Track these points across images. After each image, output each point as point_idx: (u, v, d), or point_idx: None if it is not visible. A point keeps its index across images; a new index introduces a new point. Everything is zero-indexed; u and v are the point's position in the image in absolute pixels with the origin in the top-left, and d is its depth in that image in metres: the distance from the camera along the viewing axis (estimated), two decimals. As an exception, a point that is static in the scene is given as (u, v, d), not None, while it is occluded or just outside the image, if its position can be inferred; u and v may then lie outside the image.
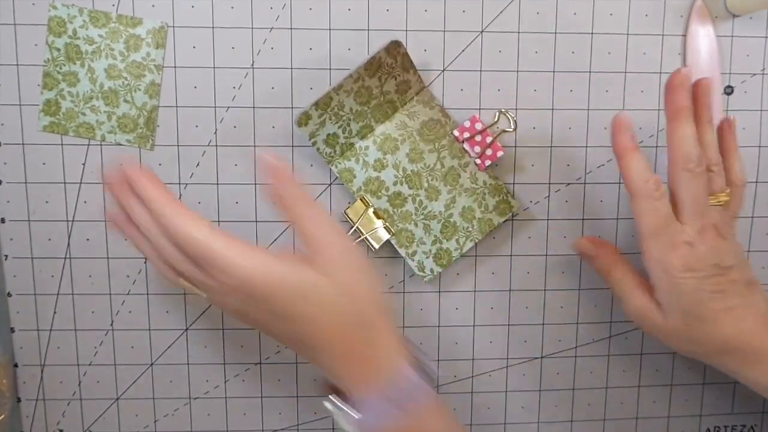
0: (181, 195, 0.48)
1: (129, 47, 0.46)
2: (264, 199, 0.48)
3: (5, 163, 0.47)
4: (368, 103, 0.46)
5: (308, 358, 0.38)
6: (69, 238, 0.48)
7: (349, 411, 0.36)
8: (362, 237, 0.47)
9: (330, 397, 0.37)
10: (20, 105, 0.46)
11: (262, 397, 0.51)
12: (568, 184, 0.50)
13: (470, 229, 0.48)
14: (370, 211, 0.47)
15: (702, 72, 0.48)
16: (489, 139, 0.47)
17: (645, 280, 0.43)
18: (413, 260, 0.48)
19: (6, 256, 0.48)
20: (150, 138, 0.47)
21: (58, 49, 0.45)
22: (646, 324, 0.43)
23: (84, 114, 0.46)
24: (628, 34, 0.48)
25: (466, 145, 0.48)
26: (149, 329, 0.49)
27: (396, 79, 0.46)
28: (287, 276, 0.34)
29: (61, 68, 0.45)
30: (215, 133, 0.47)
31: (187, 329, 0.50)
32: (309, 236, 0.36)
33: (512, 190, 0.49)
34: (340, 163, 0.47)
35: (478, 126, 0.47)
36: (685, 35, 0.49)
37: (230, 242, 0.35)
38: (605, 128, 0.49)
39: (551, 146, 0.49)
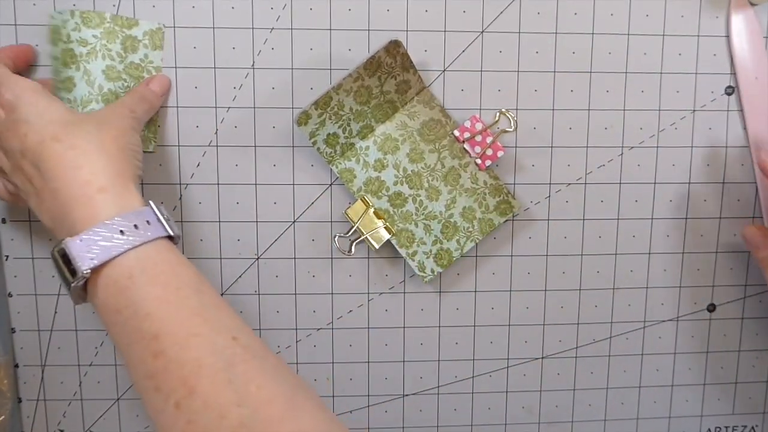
0: (181, 195, 0.48)
1: (126, 48, 0.45)
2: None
3: (6, 164, 0.47)
4: (368, 103, 0.46)
5: (41, 197, 0.37)
6: (69, 239, 0.48)
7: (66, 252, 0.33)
8: (363, 237, 0.47)
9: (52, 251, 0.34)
10: (21, 105, 0.46)
11: (262, 397, 0.51)
12: (569, 184, 0.50)
13: (471, 229, 0.48)
14: (371, 211, 0.47)
15: (748, 60, 0.49)
16: (489, 139, 0.47)
17: None
18: (414, 260, 0.48)
19: (7, 256, 0.48)
20: (152, 140, 0.47)
21: (57, 58, 0.43)
22: None
23: None
24: (628, 35, 0.48)
25: (466, 145, 0.48)
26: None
27: (396, 79, 0.46)
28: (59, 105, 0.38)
29: (58, 75, 0.44)
30: (216, 133, 0.47)
31: (187, 329, 0.50)
32: None
33: (513, 190, 0.49)
34: (340, 163, 0.47)
35: (479, 126, 0.47)
36: (727, 27, 0.49)
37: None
38: (605, 128, 0.49)
39: (551, 146, 0.49)
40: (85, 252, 0.33)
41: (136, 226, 0.34)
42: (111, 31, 0.45)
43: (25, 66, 0.44)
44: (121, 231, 0.34)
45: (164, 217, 0.36)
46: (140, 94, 0.43)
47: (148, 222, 0.35)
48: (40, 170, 0.35)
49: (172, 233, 0.36)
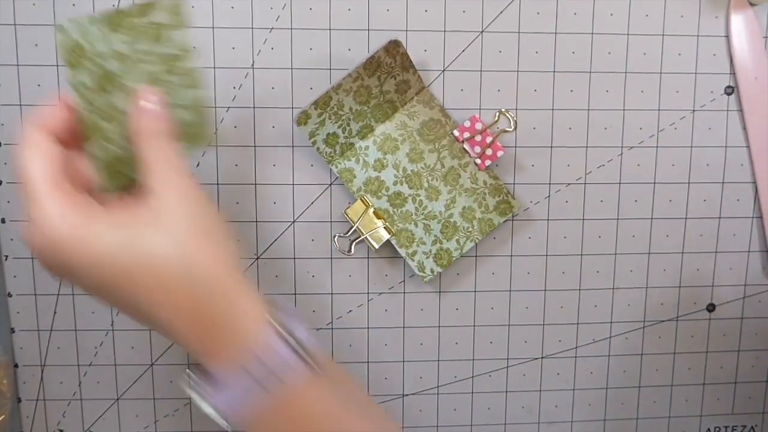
0: (181, 195, 0.48)
1: (155, 40, 0.34)
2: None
3: (5, 163, 0.47)
4: (368, 103, 0.46)
5: (154, 329, 0.31)
6: (69, 239, 0.48)
7: (205, 389, 0.29)
8: (362, 237, 0.47)
9: (186, 371, 0.31)
10: (20, 105, 0.46)
11: (262, 397, 0.51)
12: (568, 184, 0.50)
13: (470, 229, 0.48)
14: (371, 211, 0.47)
15: (748, 60, 0.48)
16: (489, 139, 0.47)
17: None
18: (413, 260, 0.48)
19: (6, 256, 0.48)
20: (202, 136, 0.36)
21: (85, 85, 0.32)
22: None
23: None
24: (628, 34, 0.48)
25: (466, 145, 0.48)
26: (149, 329, 0.49)
27: (395, 79, 0.46)
28: (103, 237, 0.28)
29: (92, 104, 0.33)
30: (215, 133, 0.47)
31: (187, 329, 0.50)
32: (145, 172, 0.31)
33: (512, 190, 0.49)
34: (340, 163, 0.47)
35: (478, 126, 0.47)
36: (727, 27, 0.49)
37: (55, 192, 0.30)
38: (605, 128, 0.49)
39: (551, 146, 0.49)
40: (223, 408, 0.29)
41: (267, 366, 0.29)
42: (135, 27, 0.33)
43: (72, 138, 0.33)
44: (250, 381, 0.28)
45: (297, 342, 0.30)
46: (148, 128, 0.32)
47: (280, 354, 0.29)
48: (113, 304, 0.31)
49: (313, 364, 0.30)
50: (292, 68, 0.47)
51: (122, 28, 0.33)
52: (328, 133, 0.46)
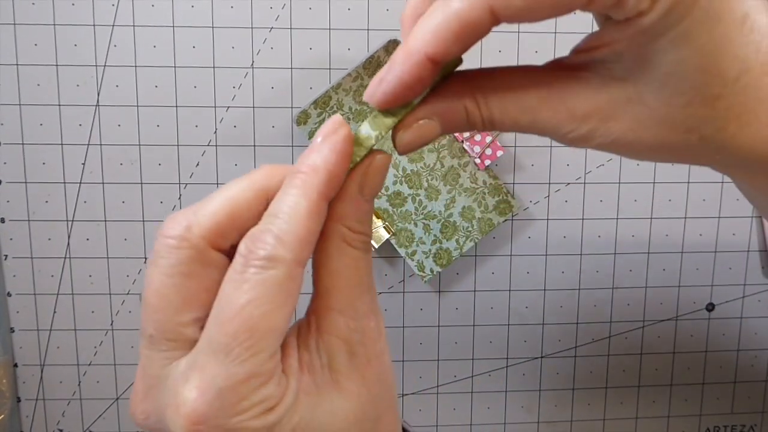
0: (180, 195, 0.48)
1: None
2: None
3: (5, 163, 0.47)
4: (367, 103, 0.46)
5: None
6: (69, 238, 0.48)
7: None
8: (362, 237, 0.47)
9: None
10: (20, 105, 0.46)
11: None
12: (568, 183, 0.50)
13: (470, 228, 0.48)
14: (370, 210, 0.47)
15: None
16: (489, 139, 0.47)
17: None
18: (413, 260, 0.48)
19: (6, 256, 0.48)
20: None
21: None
22: None
23: None
24: (627, 34, 0.48)
25: (465, 145, 0.48)
26: (149, 329, 0.49)
27: (396, 79, 0.46)
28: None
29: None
30: (215, 132, 0.47)
31: (186, 329, 0.50)
32: (325, 302, 0.21)
33: (512, 190, 0.49)
34: (339, 163, 0.47)
35: (478, 126, 0.47)
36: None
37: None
38: (605, 128, 0.49)
39: (551, 146, 0.49)
40: None
41: None
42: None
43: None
44: None
45: None
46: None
47: None
48: None
49: None
50: (291, 68, 0.47)
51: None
52: (328, 133, 0.46)
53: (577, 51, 0.22)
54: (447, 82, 0.21)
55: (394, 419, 0.23)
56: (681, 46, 0.18)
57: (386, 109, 0.21)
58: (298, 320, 0.22)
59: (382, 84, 0.20)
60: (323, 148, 0.20)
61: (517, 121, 0.21)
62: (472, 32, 0.19)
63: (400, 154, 0.21)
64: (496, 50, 0.48)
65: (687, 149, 0.20)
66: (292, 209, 0.19)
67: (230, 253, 0.20)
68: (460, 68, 0.21)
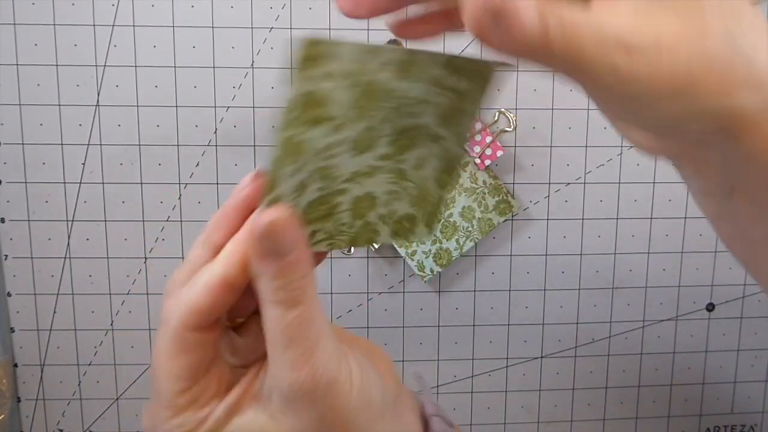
0: (180, 195, 0.48)
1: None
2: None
3: (5, 163, 0.47)
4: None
5: None
6: (69, 238, 0.48)
7: None
8: (362, 237, 0.47)
9: None
10: (20, 105, 0.46)
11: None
12: (568, 184, 0.50)
13: (470, 228, 0.48)
14: (370, 210, 0.47)
15: None
16: (489, 139, 0.47)
17: None
18: (413, 260, 0.48)
19: (6, 255, 0.48)
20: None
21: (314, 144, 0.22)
22: None
23: None
24: (627, 34, 0.48)
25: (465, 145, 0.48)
26: (149, 329, 0.49)
27: (396, 79, 0.46)
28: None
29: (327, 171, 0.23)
30: (215, 132, 0.47)
31: (186, 329, 0.50)
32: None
33: (512, 190, 0.49)
34: (339, 163, 0.47)
35: (478, 125, 0.47)
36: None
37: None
38: (605, 128, 0.49)
39: (551, 146, 0.49)
40: None
41: None
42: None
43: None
44: None
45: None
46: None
47: None
48: None
49: None
50: (291, 68, 0.47)
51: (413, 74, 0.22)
52: (328, 133, 0.46)
53: None
54: None
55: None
56: None
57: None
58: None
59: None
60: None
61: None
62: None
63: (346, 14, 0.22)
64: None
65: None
66: (199, 281, 0.23)
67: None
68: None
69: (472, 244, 0.48)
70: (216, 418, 0.23)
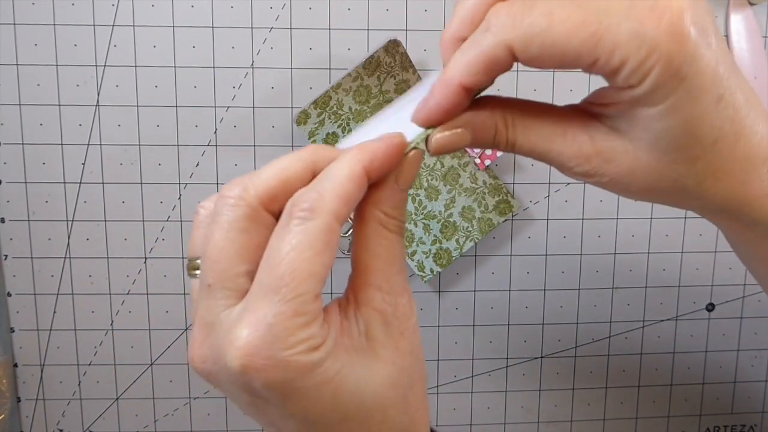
0: (180, 195, 0.48)
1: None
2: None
3: (5, 163, 0.47)
4: (367, 102, 0.46)
5: None
6: (69, 238, 0.48)
7: None
8: (362, 237, 0.47)
9: None
10: (20, 105, 0.46)
11: (261, 396, 0.51)
12: (568, 183, 0.50)
13: (470, 228, 0.48)
14: (370, 210, 0.47)
15: (747, 60, 0.48)
16: (488, 139, 0.47)
17: None
18: (413, 260, 0.48)
19: (6, 255, 0.48)
20: None
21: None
22: None
23: None
24: (627, 34, 0.48)
25: (465, 145, 0.48)
26: (149, 329, 0.49)
27: (395, 78, 0.46)
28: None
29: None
30: (215, 132, 0.47)
31: (186, 329, 0.50)
32: (364, 279, 0.24)
33: (512, 190, 0.49)
34: (339, 163, 0.47)
35: (478, 126, 0.47)
36: (726, 26, 0.49)
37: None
38: (605, 128, 0.49)
39: (551, 146, 0.49)
40: None
41: None
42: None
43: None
44: None
45: None
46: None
47: None
48: None
49: None
50: (291, 68, 0.47)
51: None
52: (328, 133, 0.46)
53: (586, 102, 0.26)
54: (483, 101, 0.25)
55: (424, 391, 0.26)
56: (668, 116, 0.22)
57: None
58: (337, 298, 0.25)
59: (424, 108, 0.24)
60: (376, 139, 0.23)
61: (534, 147, 0.24)
62: (496, 67, 0.23)
63: (432, 154, 0.24)
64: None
65: (672, 195, 0.24)
66: (335, 173, 0.22)
67: (279, 216, 0.22)
68: (494, 93, 0.25)
69: (472, 244, 0.48)
70: (333, 339, 0.22)
